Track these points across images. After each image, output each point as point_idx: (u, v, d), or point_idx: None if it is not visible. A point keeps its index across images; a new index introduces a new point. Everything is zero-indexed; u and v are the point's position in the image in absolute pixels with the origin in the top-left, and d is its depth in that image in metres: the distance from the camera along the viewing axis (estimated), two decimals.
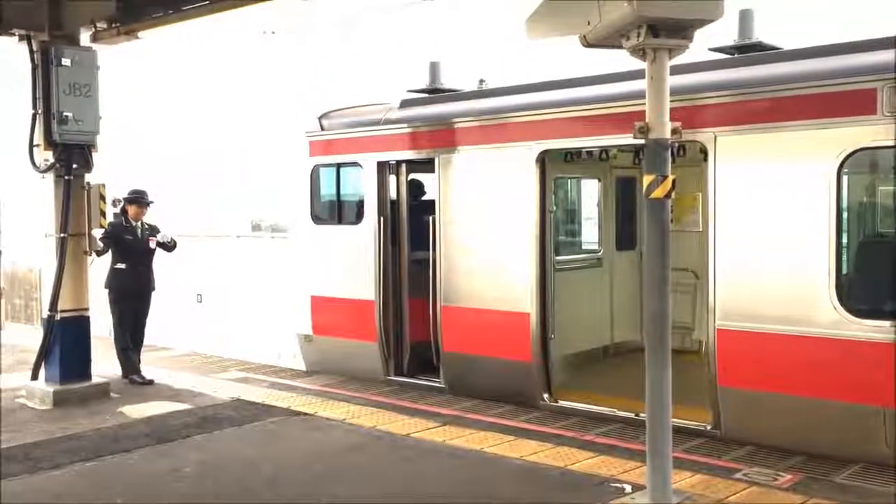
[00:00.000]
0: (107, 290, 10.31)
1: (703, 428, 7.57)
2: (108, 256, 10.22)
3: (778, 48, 7.85)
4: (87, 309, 9.47)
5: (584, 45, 5.21)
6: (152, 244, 10.34)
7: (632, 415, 8.00)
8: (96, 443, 7.63)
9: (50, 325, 9.27)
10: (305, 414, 8.58)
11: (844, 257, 7.02)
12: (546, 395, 8.75)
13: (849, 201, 7.11)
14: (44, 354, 9.33)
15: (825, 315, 6.80)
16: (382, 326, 10.13)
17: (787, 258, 7.03)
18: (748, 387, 7.28)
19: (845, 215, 7.01)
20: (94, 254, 9.59)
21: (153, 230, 10.45)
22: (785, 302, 7.05)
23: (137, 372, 10.20)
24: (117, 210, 10.25)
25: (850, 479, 6.41)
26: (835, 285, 6.75)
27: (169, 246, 10.50)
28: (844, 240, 7.00)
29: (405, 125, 9.89)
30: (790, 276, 7.02)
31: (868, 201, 7.48)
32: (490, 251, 9.11)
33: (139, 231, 10.30)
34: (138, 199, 10.31)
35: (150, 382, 10.05)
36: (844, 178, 6.84)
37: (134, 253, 10.22)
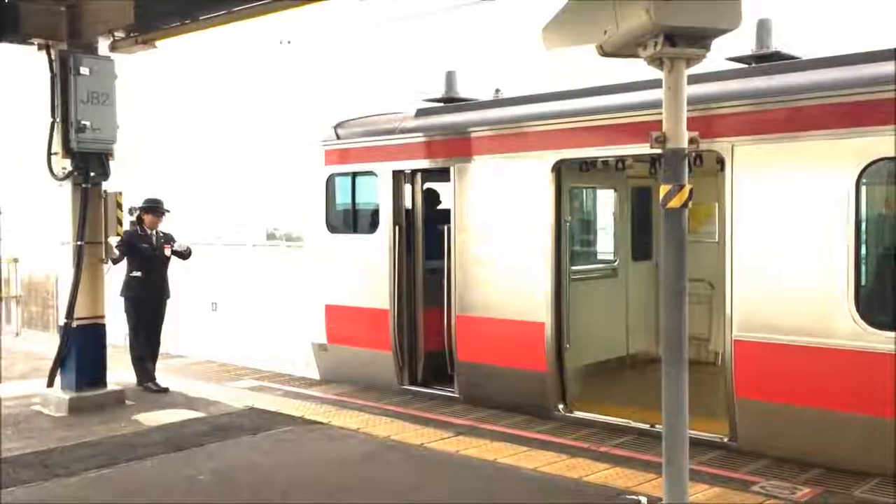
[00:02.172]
0: (122, 298, 10.35)
1: (719, 440, 7.50)
2: (123, 265, 10.27)
3: (796, 57, 7.81)
4: (102, 317, 9.51)
5: (600, 55, 5.18)
6: (167, 252, 10.39)
7: (647, 426, 7.94)
8: (111, 450, 7.65)
9: (66, 332, 9.32)
10: (319, 423, 8.57)
11: (863, 268, 6.95)
12: (561, 406, 8.71)
13: (868, 212, 7.04)
14: (60, 362, 9.38)
15: (844, 326, 6.73)
16: (397, 335, 10.11)
17: (805, 269, 6.97)
18: (765, 398, 7.22)
19: (864, 226, 6.94)
20: (110, 262, 9.64)
21: (168, 238, 10.49)
22: (803, 313, 6.99)
23: (152, 380, 10.22)
24: (133, 219, 10.30)
25: (870, 492, 6.33)
26: (853, 296, 6.69)
27: (184, 254, 10.54)
28: (864, 250, 6.93)
29: (421, 134, 9.89)
30: (808, 287, 6.96)
31: (888, 212, 7.41)
32: (505, 261, 9.08)
33: (154, 239, 10.34)
34: (154, 208, 10.35)
35: (165, 390, 10.07)
36: (864, 189, 6.79)
37: (149, 261, 10.25)
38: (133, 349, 10.38)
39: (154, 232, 10.37)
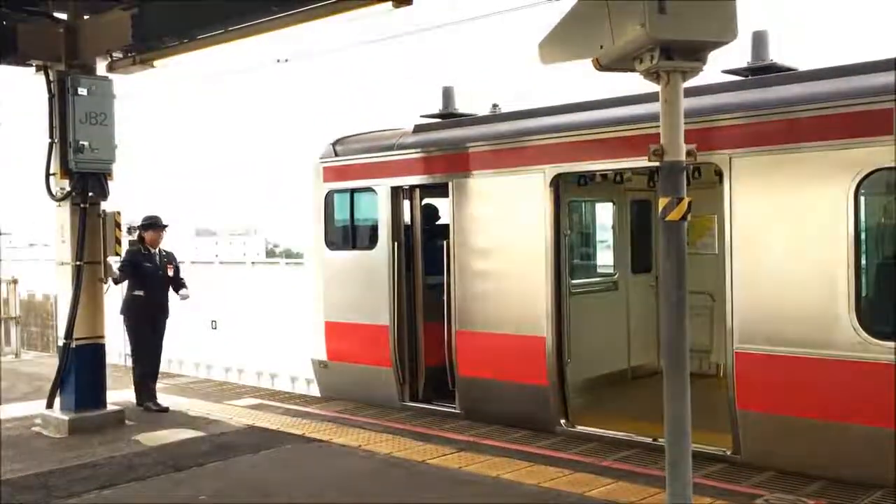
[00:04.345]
0: (123, 317, 10.32)
1: (722, 453, 7.47)
2: (124, 283, 10.24)
3: (792, 69, 7.83)
4: (102, 337, 9.48)
5: (596, 69, 5.18)
6: (170, 272, 10.36)
7: (650, 440, 7.91)
8: (112, 471, 7.61)
9: (65, 353, 9.28)
10: (320, 441, 8.53)
11: (864, 278, 6.94)
12: (563, 420, 8.67)
13: (867, 222, 7.04)
14: (59, 382, 9.34)
15: (845, 337, 6.72)
16: (397, 352, 10.09)
17: (805, 280, 6.97)
18: (768, 410, 7.19)
19: (863, 236, 6.94)
20: (110, 281, 9.62)
21: (170, 257, 10.48)
22: (804, 324, 6.98)
23: (153, 399, 10.18)
24: (133, 237, 10.29)
25: None
26: (854, 307, 6.68)
27: (185, 297, 10.52)
28: (863, 261, 6.92)
29: (419, 150, 9.91)
30: (808, 298, 6.95)
31: (886, 222, 7.41)
32: (505, 275, 9.07)
33: (157, 258, 10.32)
34: (154, 224, 10.33)
35: (166, 410, 10.02)
36: (862, 199, 6.79)
37: (152, 280, 10.21)
38: (136, 368, 10.33)
39: (157, 250, 10.34)
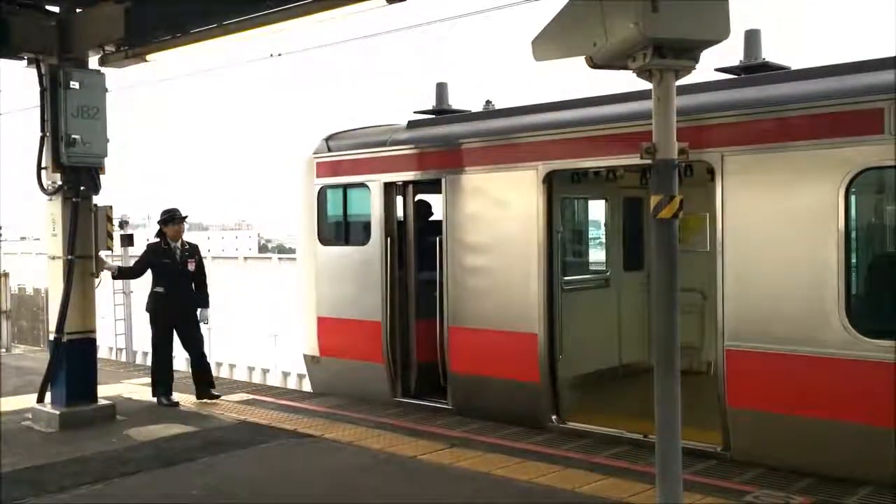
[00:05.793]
0: (148, 313, 10.29)
1: (712, 450, 7.50)
2: (147, 278, 10.20)
3: (784, 68, 7.86)
4: (93, 331, 9.46)
5: (590, 66, 5.19)
6: (191, 266, 10.22)
7: (640, 436, 7.94)
8: (102, 465, 7.60)
9: (56, 347, 9.26)
10: (312, 436, 8.53)
11: (854, 277, 6.98)
12: (554, 417, 8.70)
13: (857, 221, 7.08)
14: (50, 377, 9.32)
15: (835, 335, 6.76)
16: (390, 347, 10.10)
17: (796, 278, 7.00)
18: (758, 408, 7.23)
19: (854, 234, 6.98)
20: (101, 275, 9.58)
21: (192, 251, 10.34)
22: (794, 322, 7.01)
23: (167, 394, 10.09)
24: (124, 232, 10.25)
25: (862, 501, 6.34)
26: (844, 305, 6.71)
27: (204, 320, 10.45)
28: (854, 259, 6.96)
29: (412, 146, 9.91)
30: (799, 296, 6.99)
31: (877, 221, 7.44)
32: (497, 272, 9.09)
33: (177, 253, 10.18)
34: (172, 218, 10.22)
35: (176, 405, 9.98)
36: (852, 198, 6.82)
37: (171, 275, 10.09)
38: (154, 361, 10.28)
39: (179, 243, 10.24)
